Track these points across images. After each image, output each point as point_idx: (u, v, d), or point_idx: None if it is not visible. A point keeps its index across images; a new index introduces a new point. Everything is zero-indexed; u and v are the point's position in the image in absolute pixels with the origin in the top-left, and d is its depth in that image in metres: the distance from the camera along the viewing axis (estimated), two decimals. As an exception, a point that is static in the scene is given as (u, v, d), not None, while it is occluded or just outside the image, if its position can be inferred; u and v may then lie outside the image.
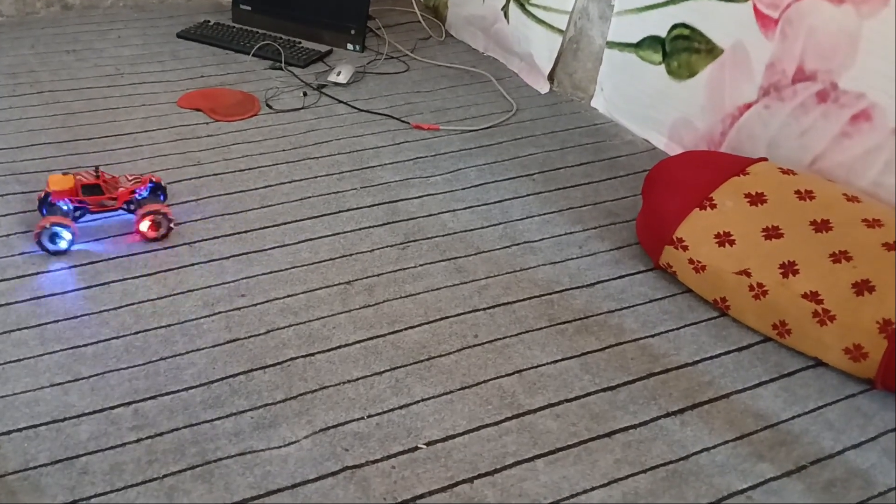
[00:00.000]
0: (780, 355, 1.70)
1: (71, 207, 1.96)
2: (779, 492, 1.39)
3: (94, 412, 1.49)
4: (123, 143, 2.38)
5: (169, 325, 1.70)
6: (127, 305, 1.75)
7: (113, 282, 1.82)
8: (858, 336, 1.58)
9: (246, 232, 2.02)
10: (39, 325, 1.69)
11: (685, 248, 1.82)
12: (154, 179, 2.06)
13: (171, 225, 1.96)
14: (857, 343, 1.59)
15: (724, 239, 1.77)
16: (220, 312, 1.75)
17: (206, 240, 1.97)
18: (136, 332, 1.68)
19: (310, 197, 2.17)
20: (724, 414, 1.55)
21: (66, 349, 1.63)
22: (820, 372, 1.66)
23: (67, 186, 1.94)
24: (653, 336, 1.73)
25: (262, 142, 2.43)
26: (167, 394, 1.54)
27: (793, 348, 1.70)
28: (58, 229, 1.87)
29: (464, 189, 2.24)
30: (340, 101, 2.68)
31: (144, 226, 1.94)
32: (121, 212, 2.01)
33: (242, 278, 1.85)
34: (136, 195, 2.01)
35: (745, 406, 1.57)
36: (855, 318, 1.59)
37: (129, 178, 2.04)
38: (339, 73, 2.81)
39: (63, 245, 1.89)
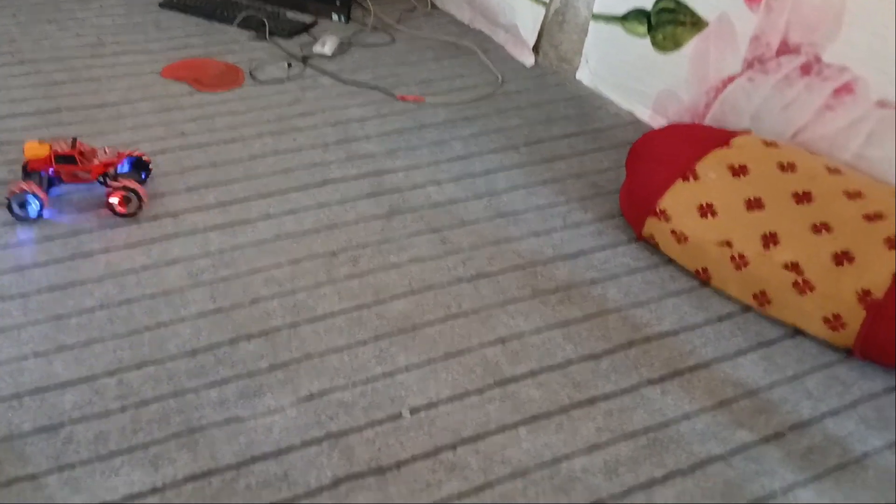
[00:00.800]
0: (761, 325, 1.72)
1: (46, 176, 1.95)
2: (757, 458, 1.42)
3: (78, 381, 1.49)
4: (106, 114, 2.36)
5: (153, 296, 1.70)
6: (111, 276, 1.75)
7: (96, 253, 1.82)
8: (838, 306, 1.61)
9: (230, 203, 2.01)
10: (22, 295, 1.68)
11: (668, 220, 1.83)
12: (136, 154, 2.04)
13: (142, 204, 1.93)
14: (837, 313, 1.61)
15: (706, 210, 1.78)
16: (204, 283, 1.75)
17: (190, 211, 1.97)
18: (120, 303, 1.68)
19: (295, 168, 2.17)
20: (705, 382, 1.57)
21: (49, 319, 1.63)
22: (799, 341, 1.68)
23: (42, 154, 1.93)
24: (635, 306, 1.75)
25: (246, 113, 2.41)
26: (151, 363, 1.54)
27: (773, 318, 1.73)
28: (27, 197, 1.86)
29: (449, 161, 2.24)
30: (325, 73, 2.67)
31: (114, 200, 1.92)
32: (97, 185, 1.99)
33: (227, 249, 1.85)
34: (116, 169, 1.99)
35: (725, 374, 1.59)
36: (834, 289, 1.61)
37: (108, 150, 2.01)
38: (323, 45, 2.79)
39: (32, 212, 1.89)
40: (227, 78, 2.61)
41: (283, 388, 1.50)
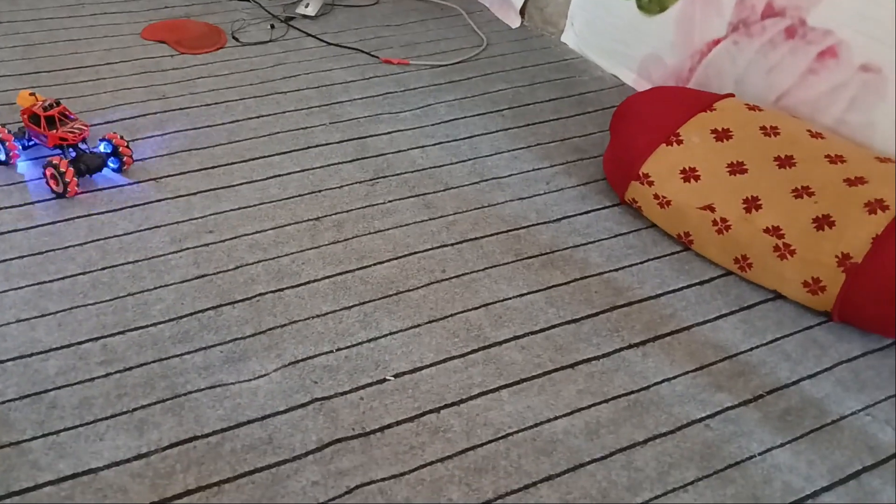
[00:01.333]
0: (741, 289, 1.74)
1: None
2: (736, 420, 1.44)
3: (62, 347, 1.50)
4: (85, 76, 2.33)
5: (136, 261, 1.70)
6: (93, 241, 1.74)
7: (78, 217, 1.81)
8: (817, 270, 1.62)
9: (213, 168, 2.00)
10: (3, 260, 1.67)
11: (651, 184, 1.83)
12: (116, 142, 1.94)
13: (67, 189, 1.85)
14: (816, 276, 1.62)
15: (689, 174, 1.79)
16: (187, 248, 1.74)
17: (172, 175, 1.96)
18: (103, 268, 1.68)
19: (278, 132, 2.15)
20: (685, 346, 1.59)
21: (31, 285, 1.62)
22: (779, 305, 1.70)
23: (26, 105, 1.94)
24: (617, 270, 1.76)
25: (228, 75, 2.39)
26: (135, 329, 1.54)
27: (753, 282, 1.74)
28: None
29: (433, 125, 2.23)
30: (309, 35, 2.64)
31: (47, 175, 1.87)
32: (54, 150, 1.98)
33: (210, 214, 1.84)
34: (82, 146, 1.94)
35: (705, 338, 1.61)
36: (814, 253, 1.62)
37: (80, 126, 1.94)
38: (307, 5, 2.75)
39: (1, 157, 1.96)
40: (209, 39, 2.57)
41: (267, 354, 1.51)
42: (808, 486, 1.34)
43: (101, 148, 1.95)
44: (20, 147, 1.98)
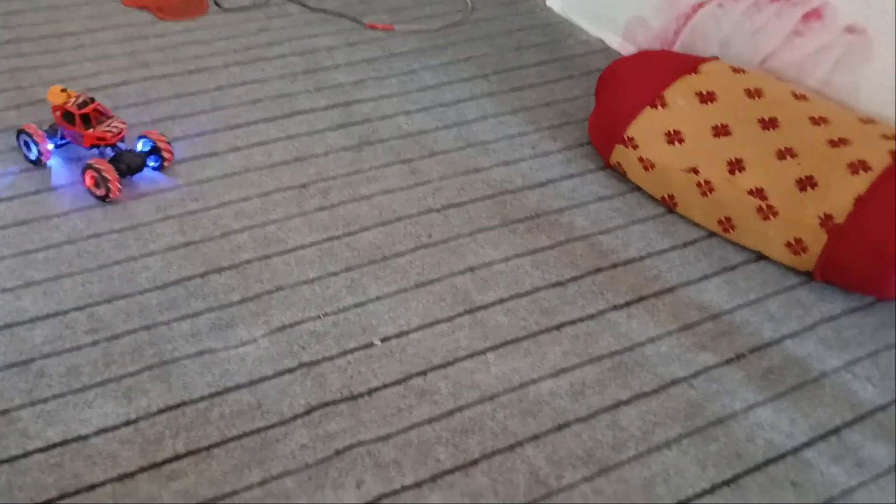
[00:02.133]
0: (725, 250, 1.75)
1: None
2: (719, 379, 1.46)
3: (48, 316, 1.50)
4: (67, 44, 2.31)
5: (121, 230, 1.70)
6: (77, 210, 1.74)
7: (61, 186, 1.80)
8: (800, 230, 1.63)
9: (198, 135, 1.99)
10: (-12, 230, 1.67)
11: (635, 147, 1.83)
12: (153, 138, 1.85)
13: (109, 194, 1.75)
14: (799, 237, 1.64)
15: (673, 137, 1.79)
16: (173, 216, 1.74)
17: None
18: (88, 237, 1.67)
19: (262, 99, 2.14)
20: (669, 307, 1.60)
21: (16, 254, 1.62)
22: (762, 265, 1.71)
23: (58, 102, 1.82)
24: (602, 233, 1.77)
25: (211, 42, 2.37)
26: (122, 297, 1.55)
27: (737, 243, 1.75)
28: (27, 139, 1.83)
29: (419, 90, 2.22)
30: (292, 0, 2.61)
31: (86, 178, 1.78)
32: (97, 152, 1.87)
33: (195, 182, 1.84)
34: (122, 146, 1.85)
35: (689, 299, 1.62)
36: (797, 214, 1.63)
37: (120, 124, 1.84)
38: (289, -29, 2.72)
39: (31, 155, 1.85)
40: (191, 6, 2.54)
41: (255, 320, 1.52)
42: (790, 442, 1.36)
43: (140, 146, 1.85)
44: (53, 146, 1.87)
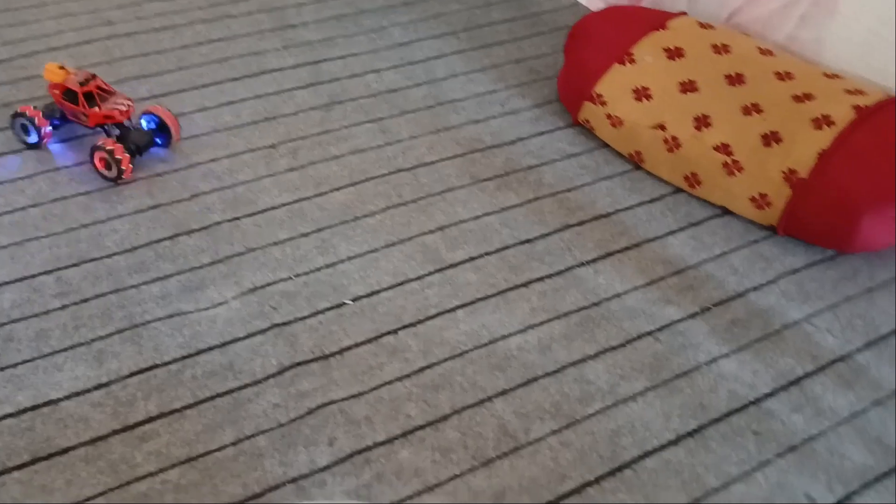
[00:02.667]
0: (691, 205, 1.77)
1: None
2: (684, 332, 1.49)
3: (16, 280, 1.49)
4: (27, 2, 2.26)
5: (88, 192, 1.68)
6: (42, 173, 1.72)
7: (25, 149, 1.78)
8: (764, 185, 1.66)
9: (163, 95, 1.97)
10: (-48, 195, 1.65)
11: (603, 104, 1.84)
12: (158, 114, 1.78)
13: (121, 175, 1.69)
14: (763, 192, 1.66)
15: (641, 94, 1.80)
16: (140, 178, 1.73)
17: (121, 104, 1.92)
18: (54, 200, 1.66)
19: (229, 58, 2.11)
20: (636, 262, 1.62)
21: (-18, 219, 1.61)
22: (727, 220, 1.74)
23: (57, 80, 1.74)
24: (570, 190, 1.78)
25: None
26: (90, 260, 1.54)
27: (702, 198, 1.77)
28: (25, 122, 1.75)
29: (388, 48, 2.20)
30: (257, -44, 2.57)
31: (96, 159, 1.72)
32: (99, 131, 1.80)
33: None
34: (128, 123, 1.77)
35: (655, 254, 1.65)
36: (762, 169, 1.65)
37: (126, 100, 1.76)
38: (254, -74, 2.66)
39: (31, 139, 1.77)
40: (154, -37, 2.49)
41: (225, 282, 1.52)
42: (753, 393, 1.39)
43: (144, 123, 1.79)
44: (51, 127, 1.80)
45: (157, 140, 1.80)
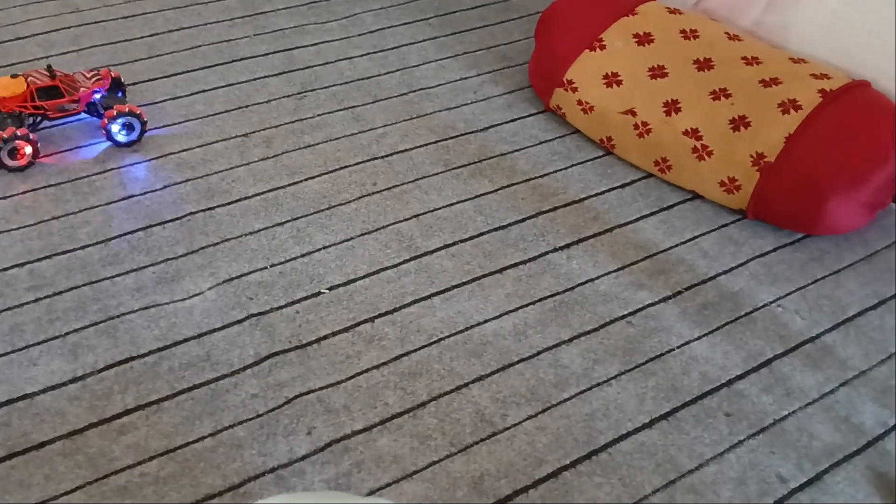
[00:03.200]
0: (661, 190, 1.79)
1: (25, 115, 1.71)
2: (657, 316, 1.51)
3: (-12, 274, 1.48)
4: (-9, -8, 2.22)
5: (59, 184, 1.67)
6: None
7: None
8: (733, 169, 1.68)
9: (134, 84, 1.95)
10: (-80, 189, 1.63)
11: (574, 90, 1.85)
12: (113, 74, 1.82)
13: (145, 129, 1.75)
14: (732, 176, 1.69)
15: (611, 79, 1.81)
16: (111, 169, 1.72)
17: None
18: (24, 192, 1.64)
19: (200, 45, 2.10)
20: (608, 247, 1.64)
21: (-49, 213, 1.59)
22: (697, 204, 1.76)
23: (20, 91, 1.68)
24: (542, 176, 1.80)
25: (144, -13, 2.30)
26: (63, 253, 1.53)
27: (672, 183, 1.80)
28: (17, 142, 1.65)
29: (360, 35, 2.19)
30: (226, -58, 2.54)
31: (115, 128, 1.73)
32: (83, 116, 1.80)
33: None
34: (98, 95, 1.78)
35: (627, 238, 1.67)
36: (730, 153, 1.68)
37: (87, 74, 1.78)
38: (223, -90, 2.64)
39: (24, 161, 1.68)
40: (121, -51, 2.45)
41: (201, 272, 1.52)
42: (724, 374, 1.42)
43: (105, 91, 1.79)
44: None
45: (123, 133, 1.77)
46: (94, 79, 1.78)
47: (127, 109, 1.73)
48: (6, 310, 1.42)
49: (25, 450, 1.23)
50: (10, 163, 1.67)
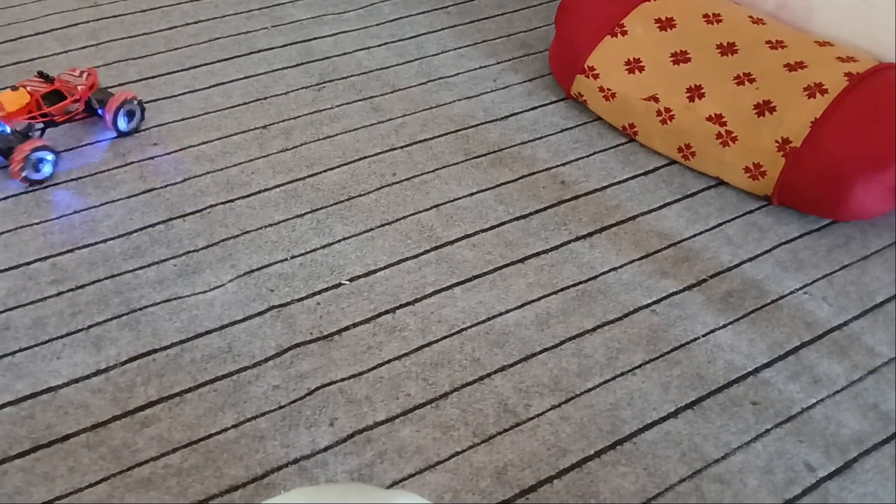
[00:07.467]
0: (685, 177, 1.77)
1: (8, 130, 1.65)
2: (681, 304, 1.50)
3: (10, 268, 1.49)
4: (10, -13, 2.23)
5: (80, 178, 1.68)
6: (33, 160, 1.71)
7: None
8: (758, 155, 1.66)
9: (153, 77, 1.95)
10: (-57, 184, 1.64)
11: (596, 77, 1.83)
12: (90, 71, 1.80)
13: (143, 114, 1.76)
14: (757, 162, 1.66)
15: (633, 66, 1.79)
16: (132, 162, 1.72)
17: (110, 87, 1.90)
18: (46, 186, 1.65)
19: (218, 38, 2.10)
20: (631, 235, 1.63)
21: (-26, 207, 1.60)
22: (721, 191, 1.74)
23: (24, 102, 1.66)
24: (564, 165, 1.78)
25: (161, -20, 2.30)
26: (85, 246, 1.54)
27: (696, 170, 1.77)
28: (40, 154, 1.62)
29: (378, 25, 2.18)
30: (243, -67, 2.54)
31: (122, 121, 1.74)
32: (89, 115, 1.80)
33: (153, 126, 1.81)
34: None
35: (650, 227, 1.65)
36: (755, 139, 1.65)
37: (74, 73, 1.76)
38: None
39: (48, 169, 1.65)
40: (138, -57, 2.46)
41: (222, 265, 1.52)
42: (750, 363, 1.40)
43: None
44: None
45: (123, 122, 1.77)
46: (83, 76, 1.76)
47: (128, 97, 1.73)
48: (29, 304, 1.43)
49: (50, 443, 1.24)
50: (35, 176, 1.64)
